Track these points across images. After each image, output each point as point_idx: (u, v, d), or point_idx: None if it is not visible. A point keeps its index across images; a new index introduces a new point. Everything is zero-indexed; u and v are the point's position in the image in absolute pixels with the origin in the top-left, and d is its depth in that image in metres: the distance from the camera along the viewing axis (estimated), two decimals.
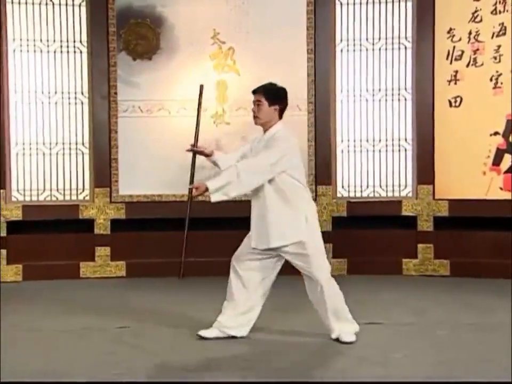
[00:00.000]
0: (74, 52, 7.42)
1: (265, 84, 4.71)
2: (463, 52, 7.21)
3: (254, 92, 4.66)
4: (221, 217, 6.97)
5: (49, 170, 7.42)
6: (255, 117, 4.66)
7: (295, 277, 4.83)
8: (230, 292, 4.72)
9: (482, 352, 4.38)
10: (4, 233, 7.24)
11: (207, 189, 4.40)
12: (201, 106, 4.92)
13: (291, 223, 4.53)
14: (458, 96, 7.25)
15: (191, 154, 4.86)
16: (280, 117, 4.68)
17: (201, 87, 4.92)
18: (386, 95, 7.50)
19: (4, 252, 7.23)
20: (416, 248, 7.40)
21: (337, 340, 4.62)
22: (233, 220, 6.51)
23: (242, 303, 4.69)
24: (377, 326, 5.06)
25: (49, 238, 7.33)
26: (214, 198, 4.40)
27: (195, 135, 4.88)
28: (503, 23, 7.03)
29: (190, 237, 4.92)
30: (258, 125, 4.70)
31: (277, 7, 7.45)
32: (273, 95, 4.61)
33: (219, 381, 3.95)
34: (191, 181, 4.73)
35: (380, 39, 7.48)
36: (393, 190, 7.52)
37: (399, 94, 7.49)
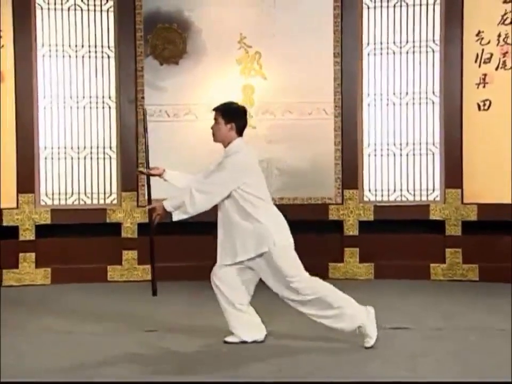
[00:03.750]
0: (102, 57, 7.48)
1: (224, 103, 4.89)
2: (492, 54, 7.14)
3: (214, 109, 4.83)
4: None
5: (77, 174, 7.48)
6: (212, 135, 4.81)
7: None
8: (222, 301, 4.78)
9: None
10: (32, 237, 7.32)
11: (164, 209, 4.68)
12: (147, 130, 5.02)
13: (254, 236, 4.59)
14: (487, 100, 7.19)
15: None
16: (239, 134, 4.76)
17: (144, 110, 5.19)
18: (413, 98, 7.45)
19: (33, 255, 7.31)
20: (444, 253, 7.33)
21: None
22: None
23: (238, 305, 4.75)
24: (405, 331, 5.02)
25: (77, 241, 7.39)
26: (175, 217, 4.68)
27: (145, 157, 4.99)
28: None
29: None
30: (216, 142, 4.82)
31: (304, 11, 7.44)
32: (229, 114, 4.74)
33: (246, 381, 3.96)
34: (149, 202, 4.91)
35: (407, 42, 7.44)
36: (420, 194, 7.47)
37: (426, 98, 7.43)
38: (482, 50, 7.17)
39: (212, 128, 4.80)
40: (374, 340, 4.59)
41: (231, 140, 4.73)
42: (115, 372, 4.15)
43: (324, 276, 7.34)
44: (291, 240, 4.69)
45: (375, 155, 7.53)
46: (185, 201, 4.60)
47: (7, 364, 4.27)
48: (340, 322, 4.61)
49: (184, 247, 7.36)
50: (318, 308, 4.61)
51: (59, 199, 7.44)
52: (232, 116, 4.74)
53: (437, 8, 7.35)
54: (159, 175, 4.96)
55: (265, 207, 4.67)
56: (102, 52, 7.48)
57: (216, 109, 4.80)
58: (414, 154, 7.47)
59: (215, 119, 4.77)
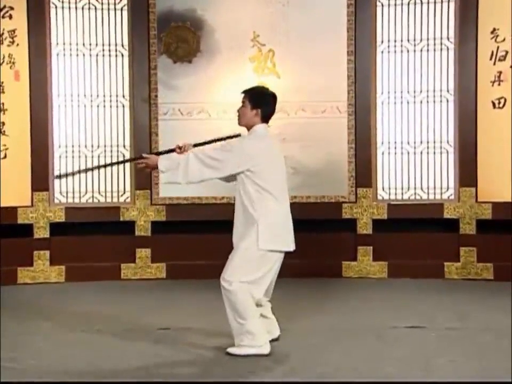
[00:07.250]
0: (116, 55, 7.50)
1: (254, 87, 4.78)
2: (507, 52, 7.10)
3: (243, 92, 4.64)
4: None
5: (91, 172, 7.50)
6: (238, 117, 4.64)
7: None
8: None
9: None
10: (47, 235, 7.35)
11: (156, 166, 4.45)
12: None
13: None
14: (502, 97, 7.14)
15: None
16: (264, 121, 4.60)
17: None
18: (428, 96, 7.42)
19: (47, 253, 7.35)
20: (459, 252, 7.30)
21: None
22: None
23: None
24: (420, 330, 4.99)
25: (91, 239, 7.41)
26: (163, 178, 4.48)
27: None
28: None
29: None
30: (241, 126, 4.65)
31: (317, 9, 7.43)
32: (256, 99, 4.56)
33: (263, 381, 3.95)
34: (158, 154, 4.65)
35: (421, 40, 7.40)
36: (434, 193, 7.44)
37: (441, 96, 7.40)
38: (497, 47, 7.13)
39: (238, 110, 4.63)
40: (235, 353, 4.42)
41: (254, 125, 4.57)
42: (128, 371, 4.15)
43: (338, 274, 7.37)
44: (281, 247, 4.46)
45: (389, 153, 7.50)
46: (180, 164, 4.38)
47: (24, 363, 4.30)
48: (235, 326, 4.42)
49: (197, 245, 7.37)
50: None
51: (73, 197, 7.47)
52: (259, 102, 4.55)
53: (451, 5, 7.31)
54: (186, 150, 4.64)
55: (267, 204, 4.41)
56: (116, 50, 7.50)
57: (244, 92, 4.62)
58: (428, 153, 7.44)
59: (243, 102, 4.58)
